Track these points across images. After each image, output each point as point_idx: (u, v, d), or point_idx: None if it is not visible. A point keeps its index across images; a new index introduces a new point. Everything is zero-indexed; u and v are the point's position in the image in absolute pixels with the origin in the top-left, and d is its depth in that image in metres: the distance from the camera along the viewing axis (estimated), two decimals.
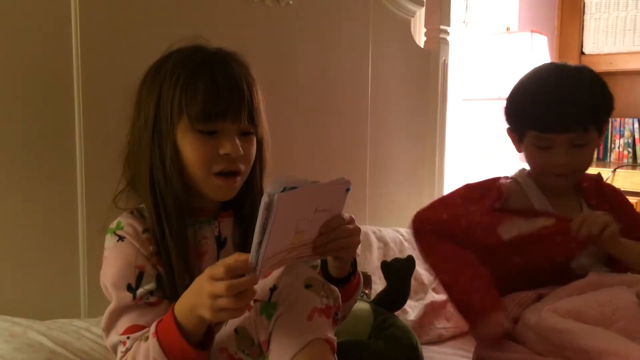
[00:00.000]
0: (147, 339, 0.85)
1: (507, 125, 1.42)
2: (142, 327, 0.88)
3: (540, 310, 1.17)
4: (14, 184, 1.14)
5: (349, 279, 0.97)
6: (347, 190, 0.86)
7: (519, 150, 1.40)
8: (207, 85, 0.91)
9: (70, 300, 1.22)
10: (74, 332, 1.08)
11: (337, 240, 0.87)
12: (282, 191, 0.76)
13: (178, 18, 1.37)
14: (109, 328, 0.91)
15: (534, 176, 1.38)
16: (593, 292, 1.17)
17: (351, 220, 0.89)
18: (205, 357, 0.86)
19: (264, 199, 0.76)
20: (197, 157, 0.93)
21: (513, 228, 1.29)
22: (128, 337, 0.88)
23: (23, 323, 1.06)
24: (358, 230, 0.90)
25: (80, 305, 1.23)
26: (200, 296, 0.79)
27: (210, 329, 0.87)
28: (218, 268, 0.76)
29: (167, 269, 0.93)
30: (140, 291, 0.90)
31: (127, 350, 0.87)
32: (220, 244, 1.00)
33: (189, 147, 0.93)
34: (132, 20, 1.30)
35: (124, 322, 0.89)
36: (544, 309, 1.16)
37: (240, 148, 0.93)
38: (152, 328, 0.85)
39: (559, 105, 1.27)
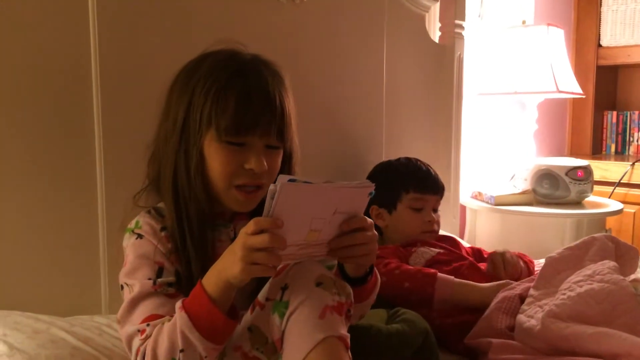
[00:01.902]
0: (169, 321, 0.86)
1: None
2: (160, 317, 0.88)
3: (534, 316, 1.19)
4: (35, 183, 1.17)
5: (365, 279, 0.98)
6: (370, 194, 0.86)
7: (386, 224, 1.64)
8: (238, 98, 0.91)
9: (91, 297, 1.25)
10: (95, 329, 1.11)
11: (353, 247, 0.87)
12: (289, 181, 0.76)
13: (193, 15, 1.38)
14: (125, 318, 0.91)
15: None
16: (588, 290, 1.16)
17: (370, 227, 0.89)
18: (234, 328, 0.86)
19: (270, 187, 0.77)
20: (221, 169, 0.94)
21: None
22: (148, 325, 0.88)
23: (46, 320, 1.08)
24: (376, 237, 0.90)
25: (101, 302, 1.26)
26: (231, 254, 0.81)
27: (234, 307, 0.87)
28: (250, 225, 0.79)
29: (185, 270, 0.94)
30: (160, 280, 0.92)
31: (147, 337, 0.86)
32: None
33: (214, 158, 0.93)
34: (150, 16, 1.31)
35: (143, 311, 0.89)
36: (542, 315, 1.16)
37: (265, 163, 0.94)
38: (178, 303, 0.85)
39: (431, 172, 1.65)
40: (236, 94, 0.91)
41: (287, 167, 1.02)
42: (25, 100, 1.15)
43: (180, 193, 0.95)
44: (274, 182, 0.77)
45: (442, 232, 1.74)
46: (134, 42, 1.29)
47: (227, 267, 0.82)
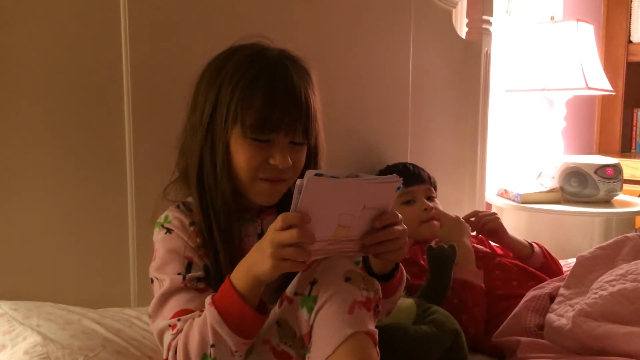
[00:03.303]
0: (199, 316, 0.87)
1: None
2: (190, 312, 0.90)
3: (565, 315, 1.17)
4: (66, 177, 1.19)
5: (392, 275, 0.97)
6: (398, 189, 0.85)
7: None
8: (265, 97, 0.91)
9: (121, 290, 1.27)
10: (125, 321, 1.12)
11: (386, 243, 0.87)
12: (315, 175, 0.76)
13: (220, 9, 1.39)
14: (156, 313, 0.92)
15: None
16: (621, 290, 1.15)
17: (401, 221, 0.89)
18: (263, 323, 0.87)
19: (297, 182, 0.77)
20: (246, 164, 0.94)
21: None
22: (179, 320, 0.89)
23: (78, 311, 1.10)
24: (406, 231, 0.89)
25: (130, 295, 1.28)
26: (260, 251, 0.81)
27: (263, 302, 0.88)
28: (278, 221, 0.79)
29: (213, 264, 0.95)
30: (189, 275, 0.93)
31: (178, 332, 0.87)
32: None
33: (240, 153, 0.94)
34: (180, 11, 1.32)
35: (173, 306, 0.91)
36: (573, 314, 1.15)
37: (290, 159, 0.94)
38: (208, 299, 0.86)
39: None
40: (262, 91, 0.92)
41: (312, 162, 1.02)
42: (59, 97, 1.17)
43: (206, 186, 0.96)
44: (301, 177, 0.77)
45: None
46: (163, 38, 1.30)
47: (256, 264, 0.83)
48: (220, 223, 0.96)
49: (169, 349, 0.89)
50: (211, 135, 0.95)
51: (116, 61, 1.23)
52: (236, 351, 0.86)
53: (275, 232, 0.80)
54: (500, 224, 1.60)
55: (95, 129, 1.22)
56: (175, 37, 1.32)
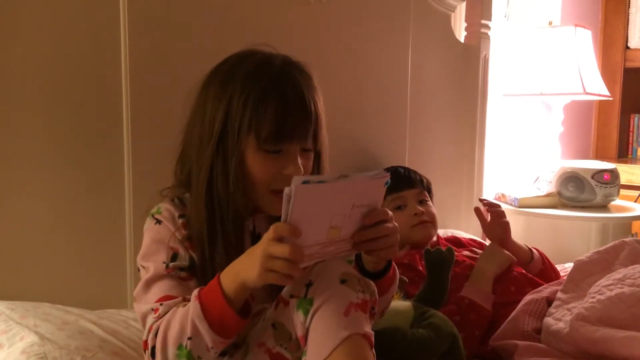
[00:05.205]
0: (182, 305, 0.88)
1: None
2: (173, 298, 0.91)
3: (562, 318, 1.18)
4: (63, 178, 1.19)
5: (384, 273, 0.98)
6: (386, 184, 0.86)
7: None
8: (278, 108, 0.93)
9: (118, 292, 1.27)
10: (122, 322, 1.12)
11: (377, 240, 0.87)
12: (303, 183, 0.76)
13: (222, 14, 1.40)
14: (140, 297, 0.94)
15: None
16: (618, 294, 1.15)
17: (391, 219, 0.89)
18: (243, 327, 0.87)
19: (285, 191, 0.77)
20: (260, 176, 0.95)
21: None
22: (161, 304, 0.90)
23: (75, 312, 1.11)
24: (397, 229, 0.90)
25: (127, 297, 1.28)
26: (251, 257, 0.82)
27: (248, 303, 0.88)
28: (270, 231, 0.80)
29: (200, 260, 0.96)
30: (172, 264, 0.94)
31: (160, 316, 0.89)
32: (255, 239, 1.02)
33: (253, 165, 0.95)
34: (180, 12, 1.33)
35: (157, 292, 0.92)
36: (571, 318, 1.15)
37: (302, 168, 0.96)
38: (195, 292, 0.87)
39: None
40: (274, 104, 0.93)
41: (316, 165, 1.03)
42: (58, 98, 1.17)
43: (216, 199, 0.96)
44: (289, 185, 0.77)
45: (452, 231, 1.72)
46: (162, 39, 1.30)
47: (245, 269, 0.83)
48: (229, 234, 0.96)
49: (149, 331, 0.89)
50: (223, 149, 0.95)
51: (115, 62, 1.23)
52: (212, 347, 0.86)
53: (268, 242, 0.80)
54: (509, 225, 1.59)
55: (94, 130, 1.22)
56: (175, 38, 1.32)
